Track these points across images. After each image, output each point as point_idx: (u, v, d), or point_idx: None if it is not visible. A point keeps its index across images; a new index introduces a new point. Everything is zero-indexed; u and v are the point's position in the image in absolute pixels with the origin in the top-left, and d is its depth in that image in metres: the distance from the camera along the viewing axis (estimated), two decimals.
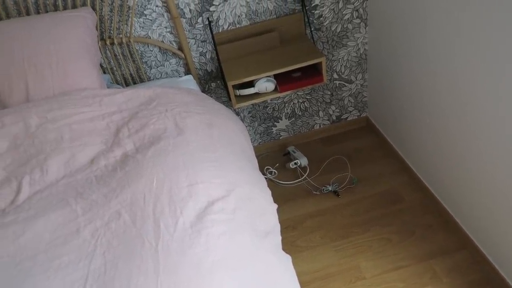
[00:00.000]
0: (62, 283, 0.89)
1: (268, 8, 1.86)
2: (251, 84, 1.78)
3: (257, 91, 1.78)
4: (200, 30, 1.85)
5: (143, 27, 1.78)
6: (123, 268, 0.90)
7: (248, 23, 1.88)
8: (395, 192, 1.94)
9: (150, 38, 1.81)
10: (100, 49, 1.71)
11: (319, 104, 2.26)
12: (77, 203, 1.09)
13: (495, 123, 1.29)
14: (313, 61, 1.73)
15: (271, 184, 2.11)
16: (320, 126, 2.35)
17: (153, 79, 1.92)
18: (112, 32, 1.74)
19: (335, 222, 1.86)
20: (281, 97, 2.17)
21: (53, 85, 1.45)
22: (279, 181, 2.13)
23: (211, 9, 1.80)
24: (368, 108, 2.34)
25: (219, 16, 1.83)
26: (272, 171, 2.19)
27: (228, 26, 1.87)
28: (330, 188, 2.01)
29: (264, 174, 2.16)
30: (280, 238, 1.15)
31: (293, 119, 2.28)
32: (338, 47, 2.06)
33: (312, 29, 1.96)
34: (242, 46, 1.86)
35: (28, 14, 1.62)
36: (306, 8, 1.89)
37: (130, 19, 1.73)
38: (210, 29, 1.77)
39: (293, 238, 1.82)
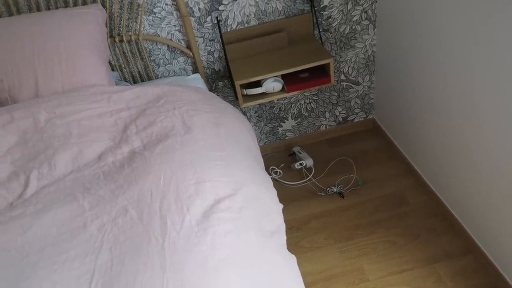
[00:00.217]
0: (69, 277, 0.90)
1: (277, 8, 1.86)
2: (258, 83, 1.78)
3: (264, 91, 1.78)
4: (209, 29, 1.86)
5: (152, 25, 1.79)
6: (130, 264, 0.91)
7: (257, 22, 1.89)
8: (400, 195, 1.94)
9: (158, 36, 1.82)
10: (109, 46, 1.71)
11: (326, 105, 2.26)
12: (85, 198, 1.09)
13: (505, 126, 1.28)
14: (321, 62, 1.73)
15: (276, 184, 2.11)
16: (326, 127, 2.35)
17: (161, 77, 1.93)
18: (121, 29, 1.75)
19: (339, 224, 1.86)
20: (288, 97, 2.17)
21: (62, 81, 1.46)
22: (284, 182, 2.13)
23: (220, 8, 1.81)
24: (375, 110, 2.34)
25: (228, 15, 1.84)
26: (277, 171, 2.19)
27: (237, 25, 1.87)
28: (335, 190, 2.01)
29: (269, 174, 2.16)
30: (285, 238, 1.15)
31: (299, 119, 2.28)
32: (346, 48, 2.06)
33: (321, 30, 1.96)
34: (250, 45, 1.86)
35: (38, 10, 1.64)
36: (315, 8, 1.89)
37: (139, 17, 1.74)
38: (219, 28, 1.77)
39: (297, 239, 1.82)
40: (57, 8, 1.64)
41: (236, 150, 1.29)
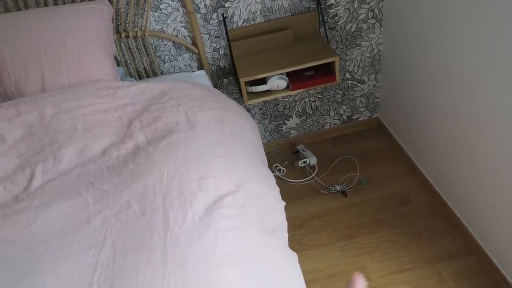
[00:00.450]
0: (72, 271, 0.91)
1: (283, 6, 1.86)
2: (263, 81, 1.78)
3: (269, 89, 1.78)
4: (215, 26, 1.86)
5: (158, 21, 1.79)
6: (132, 258, 0.91)
7: (263, 20, 1.88)
8: (404, 194, 1.94)
9: (164, 32, 1.82)
10: (115, 42, 1.72)
11: (330, 103, 2.25)
12: (89, 193, 1.10)
13: (510, 127, 1.28)
14: (326, 60, 1.73)
15: (279, 182, 2.11)
16: (330, 125, 2.35)
17: (166, 73, 1.94)
18: (127, 25, 1.76)
19: (342, 222, 1.86)
20: (293, 95, 2.17)
21: (68, 76, 1.47)
22: (288, 179, 2.13)
23: (226, 5, 1.81)
24: (380, 109, 2.33)
25: (233, 12, 1.84)
26: (280, 169, 2.19)
27: (243, 22, 1.87)
28: (338, 188, 2.01)
29: (272, 171, 2.17)
30: (287, 235, 1.15)
31: (304, 117, 2.28)
32: (352, 46, 2.05)
33: (326, 28, 1.96)
34: (256, 43, 1.86)
35: (46, 5, 1.64)
36: (321, 6, 1.89)
37: (145, 13, 1.74)
38: (225, 25, 1.77)
39: (299, 236, 1.83)
40: (64, 3, 1.65)
41: (240, 147, 1.29)
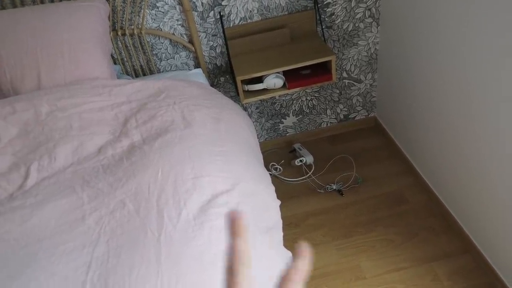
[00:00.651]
0: (66, 269, 0.91)
1: (280, 4, 1.86)
2: (259, 79, 1.78)
3: (266, 87, 1.78)
4: (211, 24, 1.86)
5: (154, 19, 1.79)
6: (126, 257, 0.92)
7: (260, 18, 1.88)
8: (400, 194, 1.94)
9: (161, 30, 1.82)
10: (111, 39, 1.72)
11: (327, 102, 2.26)
12: (84, 191, 1.10)
13: (504, 126, 1.28)
14: (323, 59, 1.73)
15: (275, 180, 2.11)
16: (327, 124, 2.35)
17: (162, 71, 1.94)
18: (124, 23, 1.76)
19: (338, 221, 1.86)
20: (289, 94, 2.17)
21: (64, 74, 1.46)
22: (284, 178, 2.14)
23: (223, 3, 1.81)
24: (377, 108, 2.33)
25: (230, 10, 1.83)
26: (277, 168, 2.20)
27: (240, 21, 1.87)
28: (334, 187, 2.01)
29: (269, 170, 2.17)
30: (282, 234, 1.15)
31: (301, 116, 2.28)
32: (349, 46, 2.06)
33: (323, 27, 1.96)
34: (253, 41, 1.86)
35: (42, 2, 1.64)
36: (318, 5, 1.89)
37: (142, 10, 1.74)
38: (221, 23, 1.77)
39: (295, 235, 1.83)
40: (60, 1, 1.65)
41: (235, 146, 1.29)
